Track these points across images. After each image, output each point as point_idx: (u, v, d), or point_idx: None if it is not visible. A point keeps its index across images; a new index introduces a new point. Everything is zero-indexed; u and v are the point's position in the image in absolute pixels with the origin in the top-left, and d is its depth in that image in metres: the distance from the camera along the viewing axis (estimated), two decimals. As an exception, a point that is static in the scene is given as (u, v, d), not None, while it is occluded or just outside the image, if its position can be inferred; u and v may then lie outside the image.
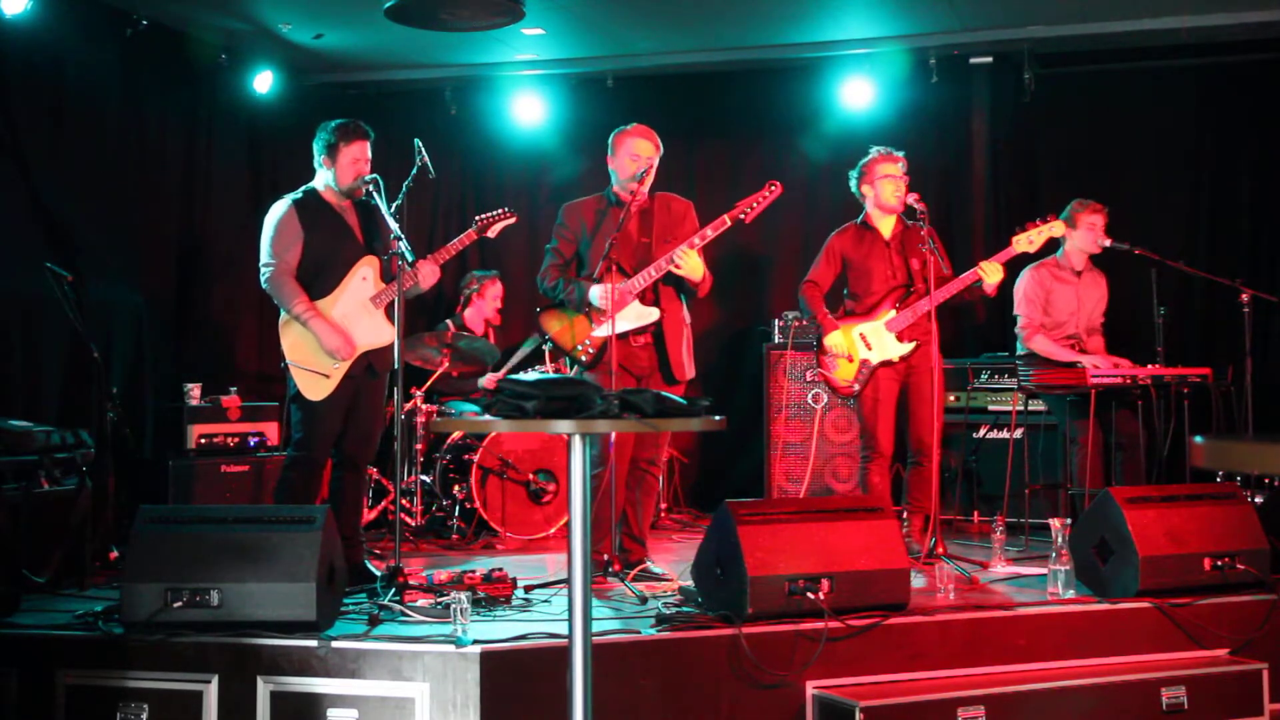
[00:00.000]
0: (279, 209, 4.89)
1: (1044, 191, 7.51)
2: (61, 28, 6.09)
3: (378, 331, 4.89)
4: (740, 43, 7.32)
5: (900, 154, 5.60)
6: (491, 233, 5.08)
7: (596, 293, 4.94)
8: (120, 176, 6.52)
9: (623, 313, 4.92)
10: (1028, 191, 7.64)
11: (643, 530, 5.13)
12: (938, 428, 5.42)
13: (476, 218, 5.09)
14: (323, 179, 4.95)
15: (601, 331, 4.95)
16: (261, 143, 7.50)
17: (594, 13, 6.76)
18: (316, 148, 4.94)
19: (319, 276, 4.86)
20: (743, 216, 4.97)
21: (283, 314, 4.85)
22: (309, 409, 4.83)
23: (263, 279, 4.86)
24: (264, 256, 4.85)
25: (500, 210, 5.12)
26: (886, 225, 5.60)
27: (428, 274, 4.92)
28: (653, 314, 4.99)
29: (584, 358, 5.04)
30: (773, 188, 5.00)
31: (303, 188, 4.96)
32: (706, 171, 8.04)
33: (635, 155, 5.03)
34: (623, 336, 4.94)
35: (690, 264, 4.91)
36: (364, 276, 4.90)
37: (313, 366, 4.79)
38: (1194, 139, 7.42)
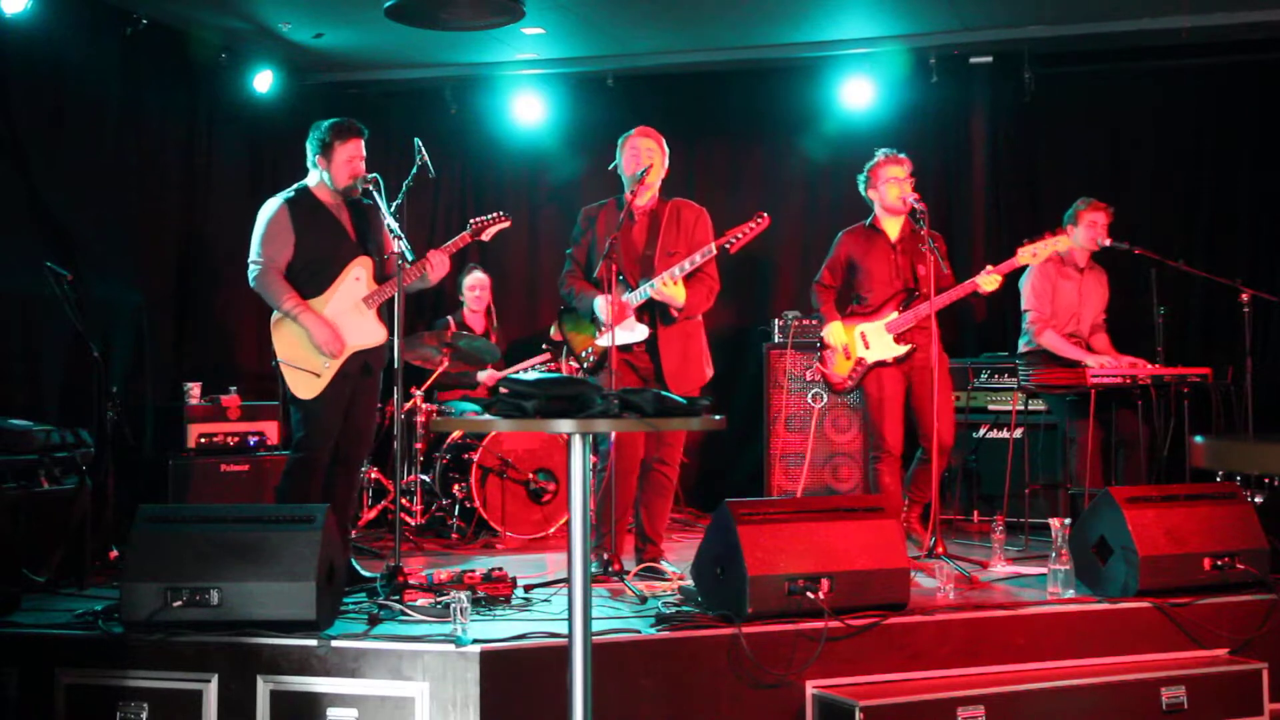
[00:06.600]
0: (271, 207, 4.87)
1: (1044, 191, 7.51)
2: (61, 27, 6.09)
3: (370, 332, 4.87)
4: (740, 43, 7.31)
5: (905, 155, 5.62)
6: (486, 235, 5.05)
7: (599, 304, 5.01)
8: (120, 176, 6.51)
9: (621, 325, 4.97)
10: (1027, 191, 7.63)
11: (655, 530, 5.16)
12: (940, 427, 5.42)
13: (471, 220, 5.06)
14: (316, 177, 4.93)
15: (604, 341, 5.01)
16: (261, 142, 7.48)
17: (594, 12, 6.76)
18: (310, 147, 4.91)
19: (311, 277, 4.83)
20: (728, 245, 5.01)
21: (274, 313, 4.83)
22: (309, 408, 4.80)
23: (250, 277, 4.84)
24: (253, 254, 4.83)
25: (495, 214, 5.08)
26: (893, 228, 5.63)
27: (438, 264, 4.88)
28: (644, 332, 5.03)
29: (588, 364, 5.11)
30: (760, 219, 5.04)
31: (295, 186, 4.94)
32: (706, 171, 8.03)
33: (634, 151, 5.08)
34: (625, 349, 5.01)
35: (669, 293, 4.96)
36: (357, 277, 4.88)
37: (304, 365, 4.78)
38: (1194, 139, 7.41)
